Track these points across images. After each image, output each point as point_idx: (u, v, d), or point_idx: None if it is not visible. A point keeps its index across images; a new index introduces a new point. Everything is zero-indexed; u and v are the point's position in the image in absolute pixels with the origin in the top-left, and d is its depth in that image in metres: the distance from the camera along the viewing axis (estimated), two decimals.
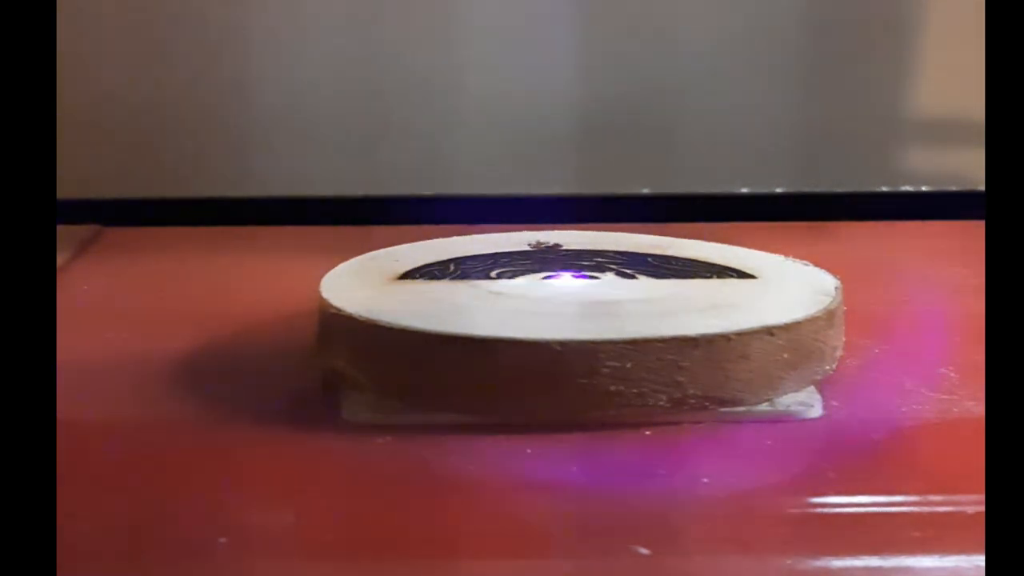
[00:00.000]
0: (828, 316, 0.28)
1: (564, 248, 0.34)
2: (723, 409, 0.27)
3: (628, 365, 0.26)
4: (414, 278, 0.31)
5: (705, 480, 0.25)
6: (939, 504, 0.24)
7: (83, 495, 0.25)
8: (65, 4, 0.46)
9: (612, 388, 0.26)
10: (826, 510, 0.24)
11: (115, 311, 0.37)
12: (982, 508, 0.23)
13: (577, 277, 0.31)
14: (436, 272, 0.32)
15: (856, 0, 0.48)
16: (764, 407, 0.28)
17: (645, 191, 0.50)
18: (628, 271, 0.32)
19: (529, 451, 0.26)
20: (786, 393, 0.28)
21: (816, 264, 0.32)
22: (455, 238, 0.35)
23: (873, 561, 0.22)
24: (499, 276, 0.31)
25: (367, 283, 0.31)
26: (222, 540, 0.23)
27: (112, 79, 0.48)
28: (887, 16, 0.49)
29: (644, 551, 0.22)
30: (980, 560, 0.21)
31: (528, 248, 0.34)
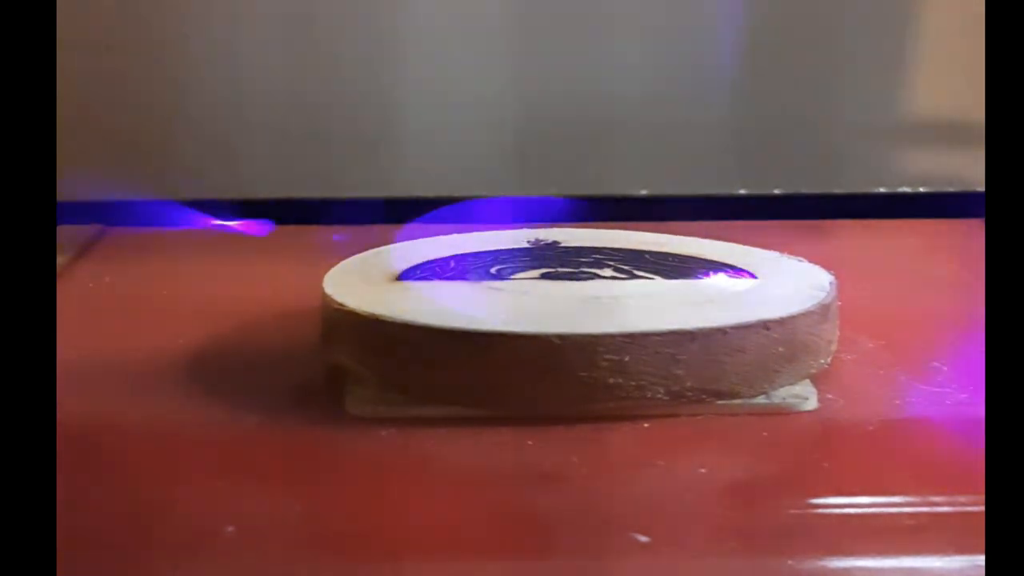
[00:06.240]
0: (823, 311, 0.29)
1: (562, 245, 0.34)
2: (720, 402, 0.28)
3: (626, 358, 0.27)
4: (415, 275, 0.32)
5: (703, 470, 0.26)
6: (933, 496, 0.25)
7: (92, 487, 0.25)
8: (65, 4, 0.46)
9: (611, 381, 0.27)
10: (820, 501, 0.25)
11: (119, 310, 0.38)
12: (977, 500, 0.24)
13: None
14: (436, 269, 0.32)
15: (854, 0, 0.49)
16: (760, 400, 0.28)
17: (643, 192, 0.50)
18: (626, 268, 0.32)
19: (530, 443, 0.27)
20: (782, 386, 0.28)
21: (811, 261, 0.33)
22: (454, 236, 0.36)
23: (868, 554, 0.23)
24: (498, 272, 0.32)
25: (369, 280, 0.31)
26: (230, 529, 0.23)
27: (114, 81, 0.48)
28: (885, 17, 0.49)
29: (643, 538, 0.23)
30: (980, 560, 0.22)
31: (527, 245, 0.34)
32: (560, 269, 0.32)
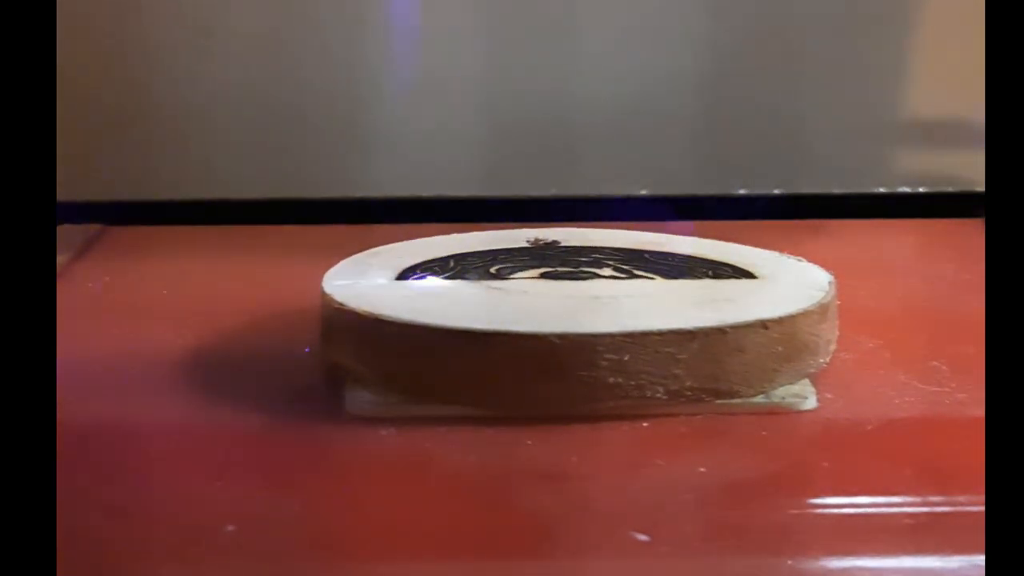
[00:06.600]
0: (822, 310, 0.29)
1: (562, 244, 0.34)
2: (719, 401, 0.28)
3: (626, 358, 0.27)
4: (415, 275, 0.32)
5: (702, 470, 0.26)
6: (933, 496, 0.25)
7: (92, 487, 0.25)
8: (66, 5, 0.46)
9: (611, 380, 0.27)
10: (820, 500, 0.25)
11: (119, 309, 0.38)
12: (976, 500, 0.24)
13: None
14: (436, 268, 0.32)
15: (853, 1, 0.49)
16: (759, 399, 0.28)
17: (643, 192, 0.50)
18: (625, 267, 0.32)
19: (530, 443, 0.27)
20: (781, 385, 0.29)
21: (811, 260, 0.33)
22: (454, 235, 0.36)
23: (867, 554, 0.23)
24: (498, 272, 0.32)
25: (369, 279, 0.31)
26: (230, 528, 0.23)
27: (115, 82, 0.48)
28: (884, 18, 0.49)
29: (644, 537, 0.23)
30: (980, 560, 0.22)
31: (526, 245, 0.34)
32: (560, 269, 0.32)
